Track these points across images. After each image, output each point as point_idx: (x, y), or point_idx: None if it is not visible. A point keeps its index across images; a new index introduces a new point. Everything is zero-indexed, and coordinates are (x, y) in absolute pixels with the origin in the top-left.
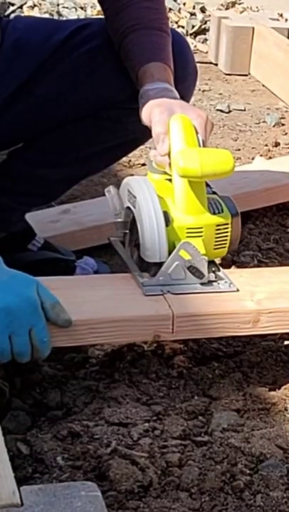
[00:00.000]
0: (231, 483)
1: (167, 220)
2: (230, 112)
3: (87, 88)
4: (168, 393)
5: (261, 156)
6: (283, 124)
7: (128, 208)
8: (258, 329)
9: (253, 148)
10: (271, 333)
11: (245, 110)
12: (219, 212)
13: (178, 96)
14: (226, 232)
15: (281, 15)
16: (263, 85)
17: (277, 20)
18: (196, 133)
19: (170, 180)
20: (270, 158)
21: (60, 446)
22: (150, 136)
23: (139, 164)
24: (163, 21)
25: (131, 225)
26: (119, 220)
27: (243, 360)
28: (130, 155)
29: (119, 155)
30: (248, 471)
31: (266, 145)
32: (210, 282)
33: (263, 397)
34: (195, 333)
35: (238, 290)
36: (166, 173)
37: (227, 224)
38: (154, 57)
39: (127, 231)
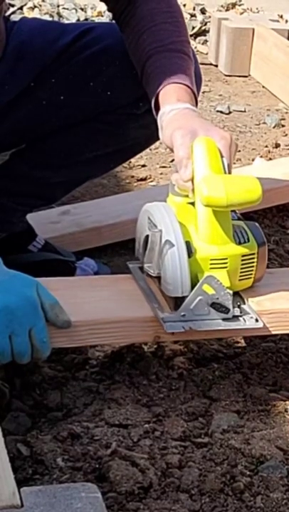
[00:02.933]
0: (231, 485)
1: (190, 251)
2: (230, 113)
3: (89, 92)
4: (168, 394)
5: (261, 157)
6: (283, 126)
7: (148, 236)
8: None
9: (253, 149)
10: (271, 334)
11: (245, 111)
12: (245, 242)
13: (201, 115)
14: (252, 262)
15: (281, 16)
16: (263, 86)
17: (278, 21)
18: (221, 156)
19: (193, 203)
20: (270, 159)
21: (60, 448)
22: (152, 142)
23: (139, 165)
24: (184, 43)
25: (151, 253)
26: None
27: (243, 362)
28: (131, 158)
29: (120, 160)
30: (248, 473)
31: (266, 146)
32: (234, 317)
33: (263, 398)
34: (195, 335)
35: (263, 326)
36: (188, 195)
37: (253, 254)
38: (175, 80)
39: (151, 264)
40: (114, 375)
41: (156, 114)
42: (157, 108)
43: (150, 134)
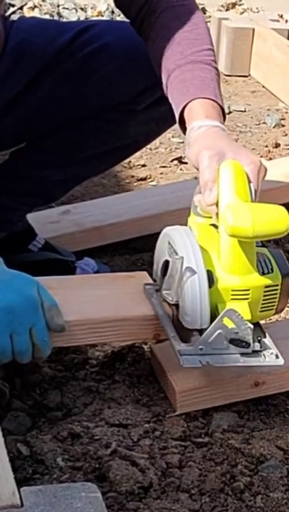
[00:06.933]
0: (231, 484)
1: (211, 281)
2: (230, 113)
3: (89, 89)
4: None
5: (261, 157)
6: (283, 125)
7: (168, 261)
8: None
9: (253, 149)
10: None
11: (245, 111)
12: (269, 272)
13: (230, 135)
14: (275, 293)
15: (281, 16)
16: (263, 86)
17: (278, 21)
18: (249, 182)
19: (215, 225)
20: (271, 159)
21: (60, 447)
22: (152, 139)
23: (139, 165)
24: (207, 52)
25: (170, 280)
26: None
27: None
28: (130, 156)
29: (120, 157)
30: (248, 472)
31: (266, 146)
32: (254, 352)
33: (263, 398)
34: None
35: (285, 364)
36: (210, 216)
37: (277, 285)
38: (200, 95)
39: (169, 291)
40: (114, 375)
41: (182, 128)
42: (182, 123)
43: (150, 131)
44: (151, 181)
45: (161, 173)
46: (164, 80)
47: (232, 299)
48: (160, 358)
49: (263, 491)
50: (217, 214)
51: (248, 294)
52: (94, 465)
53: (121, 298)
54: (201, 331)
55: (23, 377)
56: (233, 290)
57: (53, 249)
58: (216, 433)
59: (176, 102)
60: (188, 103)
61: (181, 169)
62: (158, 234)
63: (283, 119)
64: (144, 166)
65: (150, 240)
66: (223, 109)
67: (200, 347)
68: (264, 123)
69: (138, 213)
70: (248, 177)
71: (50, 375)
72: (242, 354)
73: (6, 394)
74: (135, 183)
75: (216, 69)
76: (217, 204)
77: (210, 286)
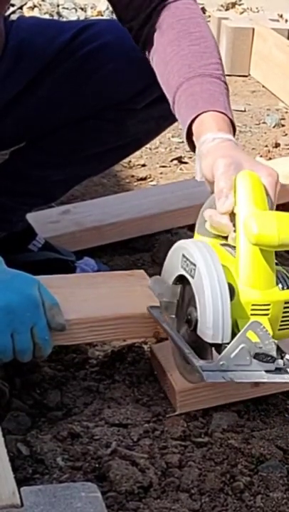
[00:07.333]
0: (231, 484)
1: (232, 293)
2: None
3: (88, 89)
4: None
5: (261, 156)
6: (283, 125)
7: (181, 276)
8: None
9: (253, 149)
10: None
11: (245, 111)
12: (288, 288)
13: (243, 151)
14: None
15: (281, 16)
16: (263, 86)
17: (277, 21)
18: (266, 194)
19: (224, 245)
20: (270, 159)
21: (60, 447)
22: (151, 138)
23: (139, 165)
24: (215, 66)
25: (183, 292)
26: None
27: None
28: (130, 156)
29: (120, 156)
30: (248, 472)
31: (266, 146)
32: (277, 369)
33: (263, 397)
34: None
35: None
36: (218, 236)
37: None
38: (210, 108)
39: (174, 301)
40: (114, 375)
41: (189, 142)
42: (190, 137)
43: (149, 130)
44: (151, 181)
45: (161, 173)
46: (170, 96)
47: (252, 315)
48: (160, 357)
49: (262, 491)
50: (233, 225)
51: (268, 309)
52: (94, 465)
53: (120, 296)
54: (219, 348)
55: (23, 377)
56: (253, 305)
57: (53, 249)
58: (215, 433)
59: (185, 115)
60: (197, 116)
61: (181, 169)
62: (158, 234)
63: (283, 118)
64: (144, 165)
65: (150, 240)
66: (233, 124)
67: (221, 362)
68: (264, 123)
69: (138, 213)
70: (265, 189)
71: (50, 375)
72: (266, 371)
73: (5, 393)
74: (135, 183)
75: (225, 83)
76: (230, 216)
77: (231, 300)
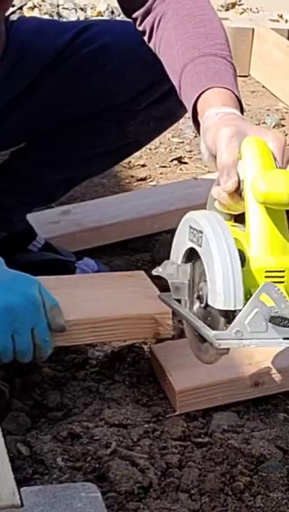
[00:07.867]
0: (231, 484)
1: (242, 260)
2: None
3: (89, 89)
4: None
5: None
6: (283, 125)
7: (191, 249)
8: None
9: None
10: None
11: (245, 111)
12: None
13: (248, 121)
14: None
15: (281, 16)
16: (263, 86)
17: (277, 21)
18: (274, 159)
19: (235, 226)
20: None
21: (60, 448)
22: (152, 139)
23: (139, 165)
24: (222, 47)
25: (192, 271)
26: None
27: None
28: (130, 156)
29: (120, 157)
30: (247, 472)
31: None
32: None
33: (263, 397)
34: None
35: None
36: (229, 215)
37: None
38: (215, 84)
39: (186, 281)
40: (114, 375)
41: (194, 121)
42: (195, 116)
43: (150, 130)
44: (151, 181)
45: (161, 173)
46: (176, 80)
47: None
48: (160, 358)
49: (262, 491)
50: (240, 194)
51: (283, 277)
52: (94, 465)
53: (120, 297)
54: (232, 314)
55: (23, 378)
56: (267, 271)
57: (53, 250)
58: (215, 433)
59: (190, 95)
60: (202, 93)
61: (180, 169)
62: (158, 234)
63: (283, 119)
64: (143, 166)
65: (150, 240)
66: (240, 102)
67: (235, 329)
68: (264, 123)
69: (138, 213)
70: (272, 154)
71: (50, 375)
72: (284, 339)
73: (5, 394)
74: (135, 183)
75: (232, 64)
76: (239, 186)
77: (242, 267)
